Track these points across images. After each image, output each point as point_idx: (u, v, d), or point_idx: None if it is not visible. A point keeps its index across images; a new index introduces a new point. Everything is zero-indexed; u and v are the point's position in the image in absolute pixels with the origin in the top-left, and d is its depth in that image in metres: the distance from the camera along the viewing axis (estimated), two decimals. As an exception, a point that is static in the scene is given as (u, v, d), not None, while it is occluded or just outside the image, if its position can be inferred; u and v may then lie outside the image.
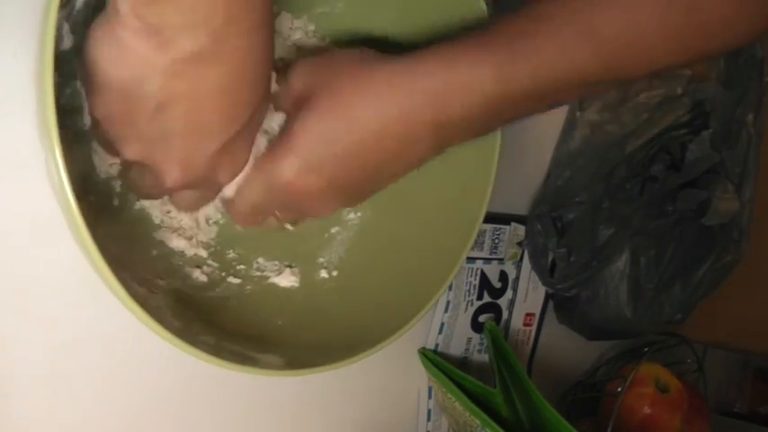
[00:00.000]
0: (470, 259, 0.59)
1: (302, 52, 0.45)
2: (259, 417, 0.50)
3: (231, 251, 0.44)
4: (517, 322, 0.65)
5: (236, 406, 0.49)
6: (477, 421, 0.52)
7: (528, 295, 0.65)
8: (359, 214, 0.48)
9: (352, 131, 0.36)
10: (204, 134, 0.33)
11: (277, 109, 0.41)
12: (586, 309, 0.63)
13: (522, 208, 0.64)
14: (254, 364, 0.36)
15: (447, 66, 0.36)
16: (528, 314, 0.66)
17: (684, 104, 0.60)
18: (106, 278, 0.30)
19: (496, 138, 0.44)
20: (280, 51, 0.44)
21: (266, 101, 0.37)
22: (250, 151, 0.37)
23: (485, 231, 0.60)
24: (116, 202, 0.39)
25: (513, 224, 0.62)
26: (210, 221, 0.43)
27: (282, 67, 0.41)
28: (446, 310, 0.59)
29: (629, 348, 0.72)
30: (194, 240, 0.42)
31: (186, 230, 0.41)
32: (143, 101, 0.31)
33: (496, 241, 0.61)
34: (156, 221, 0.40)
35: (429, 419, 0.60)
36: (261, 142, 0.39)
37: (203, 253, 0.42)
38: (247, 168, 0.38)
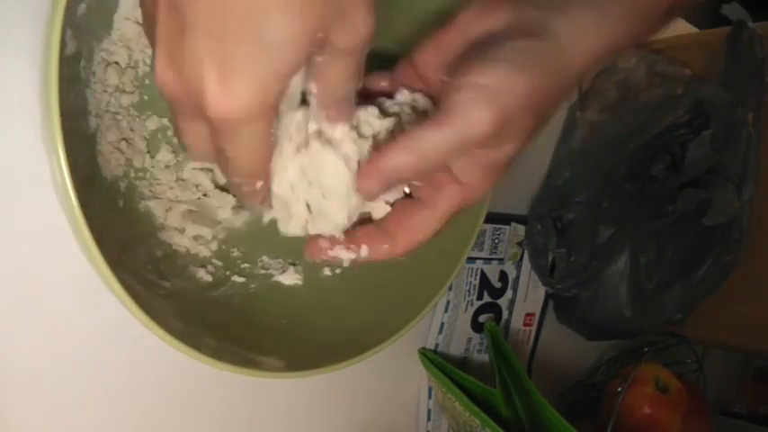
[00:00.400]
0: (470, 259, 0.60)
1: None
2: (259, 416, 0.50)
3: (236, 249, 0.44)
4: (517, 322, 0.65)
5: (236, 406, 0.49)
6: (477, 421, 0.52)
7: (528, 295, 0.65)
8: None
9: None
10: None
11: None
12: (586, 309, 0.63)
13: (522, 208, 0.64)
14: (255, 366, 0.36)
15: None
16: (528, 314, 0.66)
17: (684, 104, 0.60)
18: (108, 281, 0.30)
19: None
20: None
21: None
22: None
23: (485, 231, 0.60)
24: (121, 204, 0.39)
25: (513, 224, 0.62)
26: (217, 218, 0.43)
27: None
28: (446, 310, 0.59)
29: (629, 348, 0.72)
30: (199, 239, 0.42)
31: (190, 230, 0.42)
32: None
33: (496, 241, 0.61)
34: (161, 221, 0.40)
35: (429, 419, 0.60)
36: (363, 147, 0.33)
37: (207, 252, 0.42)
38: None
